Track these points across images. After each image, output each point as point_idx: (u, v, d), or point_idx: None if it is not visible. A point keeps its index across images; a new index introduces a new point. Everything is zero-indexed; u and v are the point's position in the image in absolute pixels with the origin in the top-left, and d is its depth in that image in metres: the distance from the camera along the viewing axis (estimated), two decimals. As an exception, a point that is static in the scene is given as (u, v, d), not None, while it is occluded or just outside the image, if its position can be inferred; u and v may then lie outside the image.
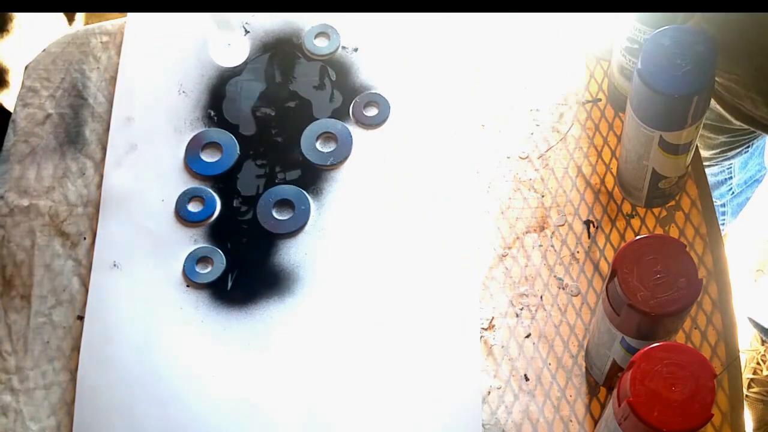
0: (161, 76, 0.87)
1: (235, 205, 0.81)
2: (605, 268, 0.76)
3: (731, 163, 1.10)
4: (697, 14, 0.70)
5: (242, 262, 0.78)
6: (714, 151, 1.05)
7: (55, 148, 0.85)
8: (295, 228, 0.79)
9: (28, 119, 0.86)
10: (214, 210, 0.80)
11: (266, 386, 0.72)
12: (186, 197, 0.81)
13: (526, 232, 0.78)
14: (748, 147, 1.05)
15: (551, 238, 0.78)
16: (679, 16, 0.70)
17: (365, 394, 0.72)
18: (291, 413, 0.71)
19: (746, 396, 1.28)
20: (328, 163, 0.82)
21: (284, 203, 0.80)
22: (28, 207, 0.82)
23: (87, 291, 0.77)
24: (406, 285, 0.76)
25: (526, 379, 0.72)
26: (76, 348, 0.75)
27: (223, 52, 0.88)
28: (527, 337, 0.74)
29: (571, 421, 0.70)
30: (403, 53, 0.87)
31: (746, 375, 1.32)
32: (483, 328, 0.74)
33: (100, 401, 0.72)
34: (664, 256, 0.57)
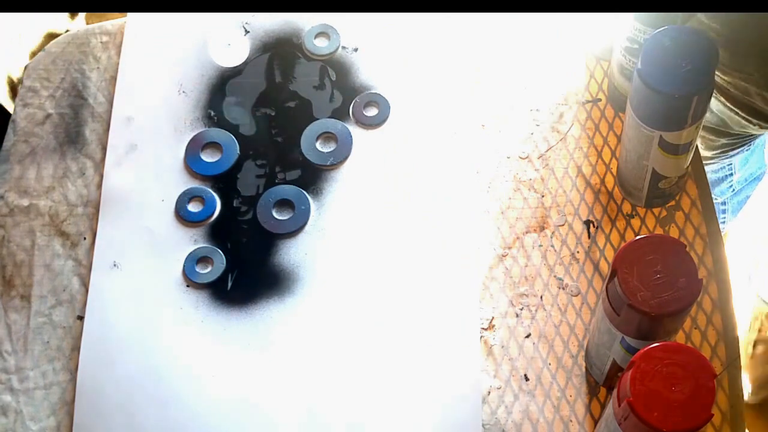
0: (161, 76, 0.87)
1: (235, 205, 0.81)
2: (605, 268, 0.76)
3: (732, 161, 1.10)
4: (704, 14, 0.70)
5: (242, 262, 0.78)
6: (715, 152, 1.05)
7: (55, 148, 0.85)
8: (295, 228, 0.79)
9: (28, 119, 0.86)
10: (214, 210, 0.80)
11: (266, 386, 0.72)
12: (186, 197, 0.81)
13: (526, 232, 0.78)
14: (749, 145, 1.05)
15: (551, 238, 0.77)
16: (679, 16, 0.70)
17: (365, 394, 0.72)
18: (291, 413, 0.71)
19: (750, 356, 1.25)
20: (328, 163, 0.82)
21: (284, 203, 0.80)
22: (28, 207, 0.82)
23: (87, 291, 0.77)
24: (406, 285, 0.76)
25: (526, 379, 0.72)
26: (76, 348, 0.75)
27: (223, 52, 0.88)
28: (527, 337, 0.74)
29: (571, 421, 0.70)
30: (403, 53, 0.87)
31: (751, 335, 1.28)
32: (483, 328, 0.74)
33: (100, 401, 0.72)
34: (664, 256, 0.57)
